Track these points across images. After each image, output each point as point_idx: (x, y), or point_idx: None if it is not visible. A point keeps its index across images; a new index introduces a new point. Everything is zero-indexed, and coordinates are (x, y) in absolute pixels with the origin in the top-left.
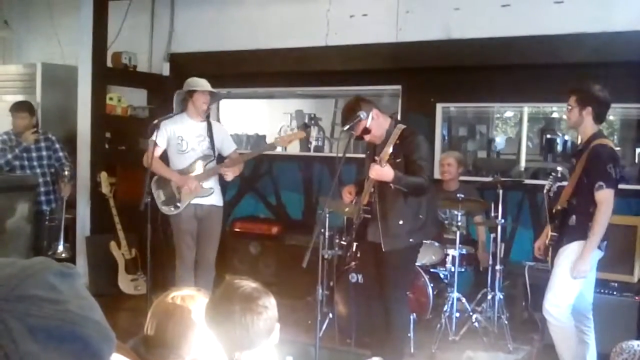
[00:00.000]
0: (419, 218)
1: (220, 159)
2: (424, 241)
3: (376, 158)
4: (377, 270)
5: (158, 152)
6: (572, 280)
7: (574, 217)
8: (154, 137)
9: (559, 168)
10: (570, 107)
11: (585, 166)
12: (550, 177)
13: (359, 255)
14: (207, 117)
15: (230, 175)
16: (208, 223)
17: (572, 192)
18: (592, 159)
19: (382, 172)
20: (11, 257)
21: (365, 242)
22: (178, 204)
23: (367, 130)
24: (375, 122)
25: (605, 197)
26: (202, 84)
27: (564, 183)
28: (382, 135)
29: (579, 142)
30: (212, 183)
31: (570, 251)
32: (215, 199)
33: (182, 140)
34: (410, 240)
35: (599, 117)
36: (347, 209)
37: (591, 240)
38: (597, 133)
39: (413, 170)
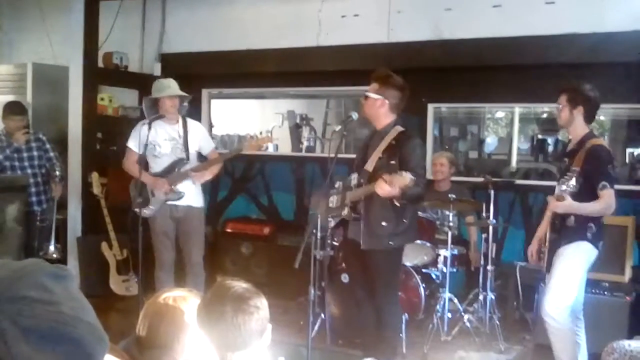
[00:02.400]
0: (403, 222)
1: (202, 157)
2: (415, 242)
3: (384, 177)
4: (363, 272)
5: (134, 156)
6: (572, 281)
7: (572, 217)
8: (129, 143)
9: (574, 168)
10: (560, 107)
11: (584, 167)
12: (562, 179)
13: (341, 253)
14: (184, 117)
15: (199, 179)
16: (188, 224)
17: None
18: (593, 160)
19: (390, 191)
20: (2, 259)
21: (347, 240)
22: (151, 206)
23: (365, 97)
24: (373, 103)
25: (610, 196)
26: (164, 86)
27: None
28: (368, 116)
29: (569, 142)
30: (185, 186)
31: (569, 252)
32: (192, 200)
33: (155, 145)
34: (390, 242)
35: (590, 117)
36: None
37: (581, 206)
38: (590, 133)
39: None
